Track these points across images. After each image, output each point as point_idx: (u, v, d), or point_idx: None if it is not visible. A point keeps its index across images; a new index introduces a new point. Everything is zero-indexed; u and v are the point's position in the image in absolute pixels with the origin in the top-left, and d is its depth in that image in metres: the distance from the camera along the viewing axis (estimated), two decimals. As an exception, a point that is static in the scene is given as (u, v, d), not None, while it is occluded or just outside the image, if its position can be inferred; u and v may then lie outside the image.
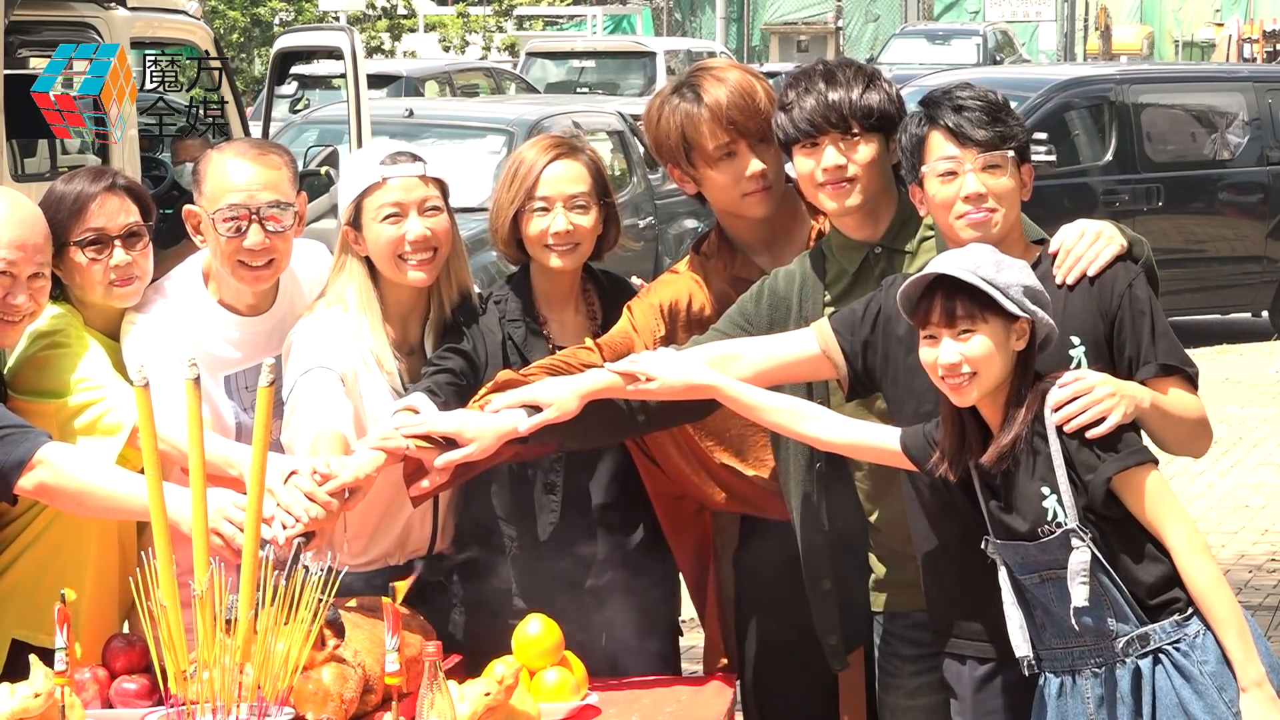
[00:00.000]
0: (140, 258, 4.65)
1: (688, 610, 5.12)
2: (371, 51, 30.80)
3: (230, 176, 4.64)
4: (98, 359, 4.56)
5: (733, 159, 4.64)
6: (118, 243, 4.61)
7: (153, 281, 4.73)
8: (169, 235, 4.88)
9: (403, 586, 4.13)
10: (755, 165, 4.64)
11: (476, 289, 4.88)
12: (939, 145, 4.22)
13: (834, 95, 4.43)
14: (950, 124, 4.20)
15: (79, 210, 4.61)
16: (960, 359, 4.00)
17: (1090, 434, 4.01)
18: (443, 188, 4.72)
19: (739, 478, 4.77)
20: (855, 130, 4.43)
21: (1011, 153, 4.20)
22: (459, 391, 4.58)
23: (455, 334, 4.73)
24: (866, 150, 4.43)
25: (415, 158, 4.69)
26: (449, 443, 4.37)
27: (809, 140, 4.45)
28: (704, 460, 4.77)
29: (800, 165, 4.48)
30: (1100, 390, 4.02)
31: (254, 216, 4.60)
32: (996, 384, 4.03)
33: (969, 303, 3.98)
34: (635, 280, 5.08)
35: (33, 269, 4.46)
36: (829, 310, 4.48)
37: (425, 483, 4.41)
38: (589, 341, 4.65)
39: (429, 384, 4.57)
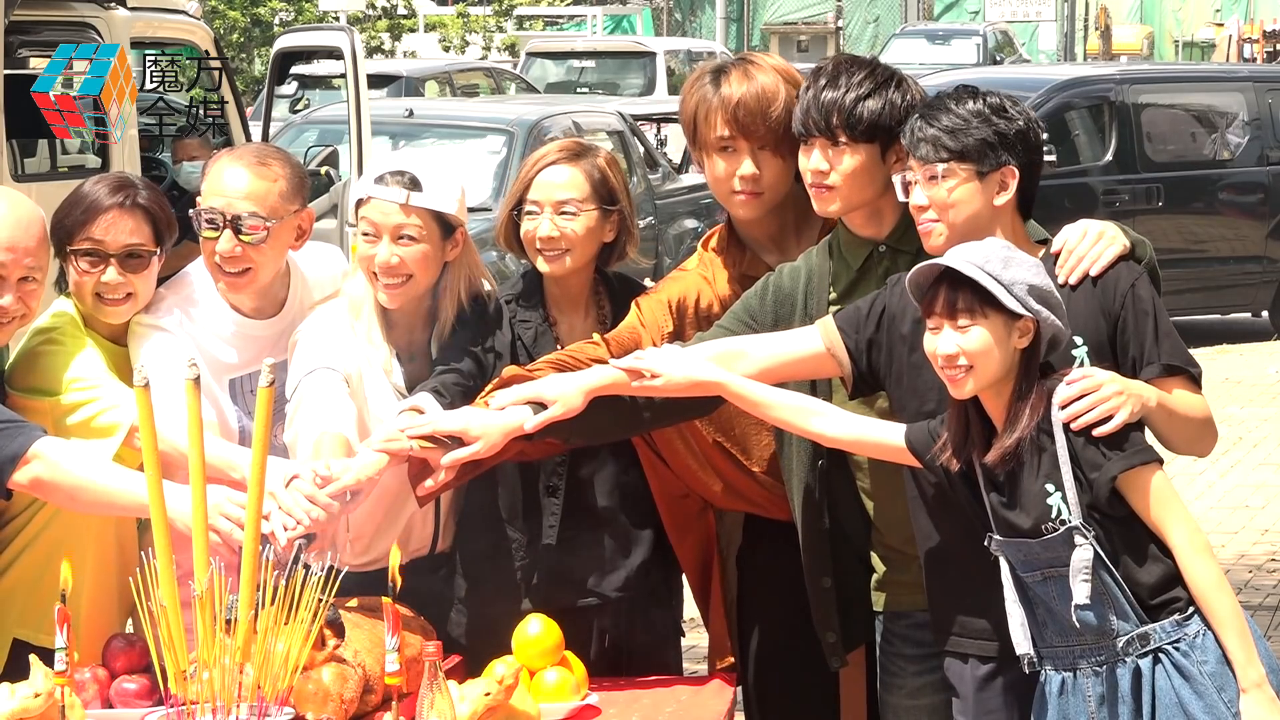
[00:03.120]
0: (137, 279, 4.61)
1: (689, 610, 5.12)
2: (371, 51, 30.81)
3: (222, 180, 4.66)
4: (91, 359, 4.55)
5: (730, 154, 4.65)
6: (113, 260, 4.59)
7: (166, 280, 4.73)
8: (170, 236, 4.88)
9: (393, 563, 4.09)
10: (747, 168, 4.64)
11: (489, 286, 4.88)
12: (908, 158, 4.27)
13: (828, 97, 4.42)
14: (906, 140, 4.26)
15: (85, 219, 4.59)
16: (958, 350, 4.01)
17: (1097, 432, 4.01)
18: (437, 218, 4.64)
19: (742, 472, 4.77)
20: (842, 139, 4.43)
21: (945, 164, 4.19)
22: (465, 392, 4.58)
23: (464, 334, 4.73)
24: (851, 161, 4.43)
25: (411, 183, 4.63)
26: (454, 441, 4.36)
27: (803, 139, 4.47)
28: (708, 453, 4.77)
29: (800, 160, 4.51)
30: (1108, 388, 4.02)
31: (227, 223, 4.61)
32: (994, 379, 4.03)
33: (970, 296, 3.99)
34: (648, 283, 5.09)
35: (22, 272, 4.44)
36: (834, 308, 4.48)
37: (430, 482, 4.41)
38: (596, 337, 4.65)
39: (435, 384, 4.57)
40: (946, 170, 4.20)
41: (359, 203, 4.71)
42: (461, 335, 4.72)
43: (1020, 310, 3.99)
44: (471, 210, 4.87)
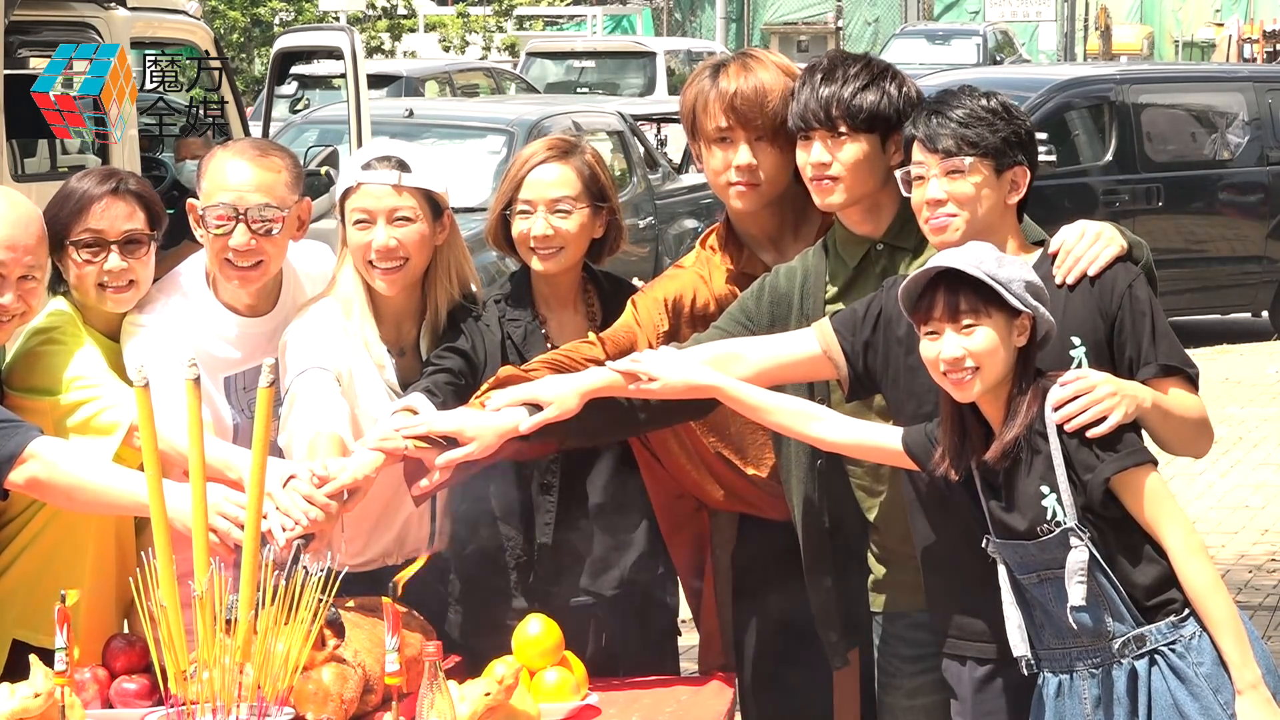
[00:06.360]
0: (138, 264, 4.64)
1: (686, 610, 5.12)
2: (371, 51, 30.80)
3: (226, 175, 4.66)
4: (92, 358, 4.56)
5: (727, 145, 4.66)
6: (114, 247, 4.61)
7: (155, 280, 4.74)
8: (169, 235, 4.88)
9: (406, 574, 4.14)
10: (744, 158, 4.64)
11: (475, 288, 4.89)
12: (915, 151, 4.27)
13: (826, 91, 4.45)
14: (922, 132, 4.24)
15: (79, 210, 4.61)
16: (964, 353, 4.01)
17: (1091, 433, 4.01)
18: (428, 198, 4.69)
19: (738, 475, 4.78)
20: (843, 130, 4.44)
21: (972, 159, 4.20)
22: (457, 391, 4.58)
23: (454, 333, 4.74)
24: (852, 150, 4.44)
25: (400, 165, 4.67)
26: (449, 442, 4.37)
27: (802, 134, 4.47)
28: (704, 455, 4.78)
29: (798, 157, 4.51)
30: (1101, 390, 4.02)
31: (240, 217, 4.62)
32: (998, 379, 4.04)
33: (973, 297, 4.00)
34: (636, 282, 5.09)
35: (22, 270, 4.45)
36: (830, 307, 4.49)
37: (425, 481, 4.41)
38: (591, 336, 4.66)
39: (427, 384, 4.57)
40: (972, 166, 4.20)
41: (346, 194, 4.72)
42: (451, 333, 4.73)
43: (1021, 307, 4.00)
44: (471, 210, 4.88)
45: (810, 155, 4.47)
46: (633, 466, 4.84)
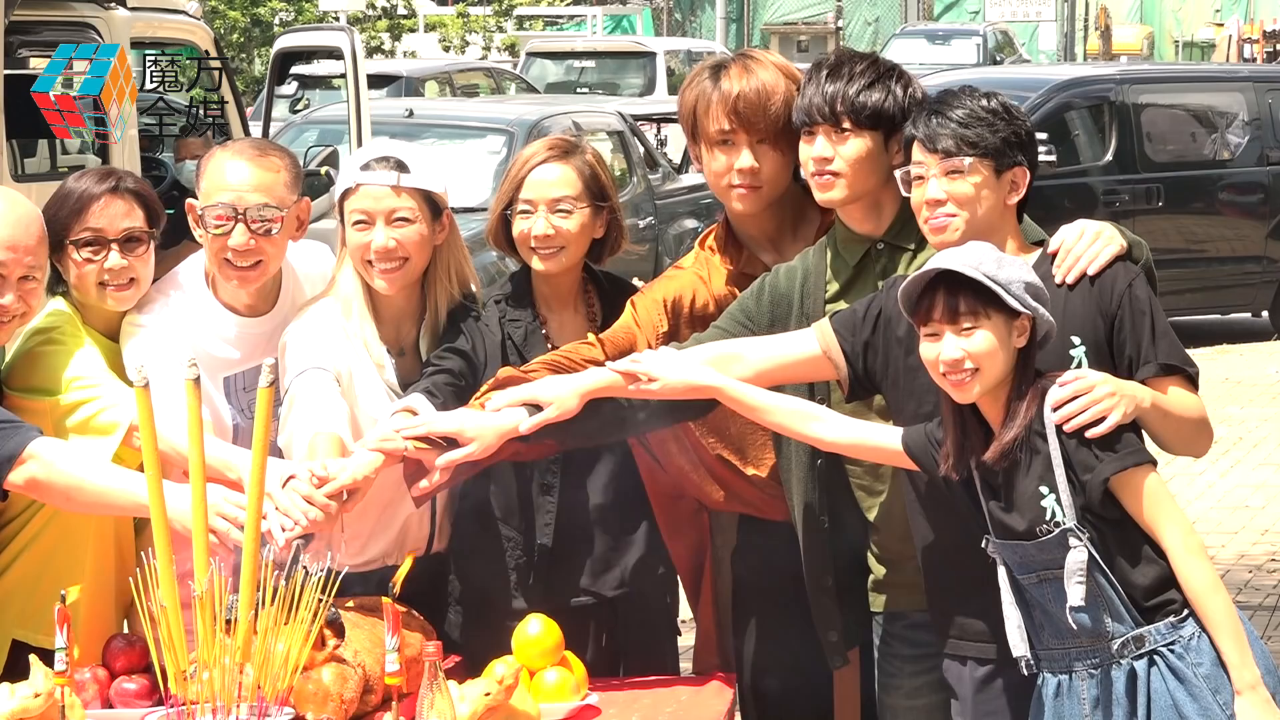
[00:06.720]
0: (138, 263, 4.64)
1: (686, 610, 5.12)
2: (371, 51, 30.81)
3: (225, 175, 4.67)
4: (91, 358, 4.56)
5: (728, 147, 4.66)
6: (114, 246, 4.62)
7: (155, 280, 4.74)
8: (169, 235, 4.88)
9: (400, 574, 4.14)
10: (746, 160, 4.65)
11: (475, 288, 4.89)
12: (915, 151, 4.27)
13: (831, 88, 4.46)
14: (922, 132, 4.25)
15: (79, 209, 4.62)
16: (963, 355, 4.01)
17: (1090, 434, 4.01)
18: (427, 198, 4.69)
19: (738, 476, 4.78)
20: (846, 125, 4.44)
21: (971, 159, 4.20)
22: (457, 392, 4.59)
23: (454, 333, 4.74)
24: (855, 146, 4.44)
25: (398, 166, 4.67)
26: (449, 443, 4.37)
27: (806, 129, 4.48)
28: (704, 457, 4.78)
29: (801, 152, 4.51)
30: (1100, 390, 4.02)
31: (239, 217, 4.62)
32: (998, 380, 4.04)
33: (972, 298, 4.00)
34: (636, 282, 5.09)
35: (23, 271, 4.45)
36: (830, 306, 4.49)
37: (425, 482, 4.41)
38: (591, 337, 4.66)
39: (427, 385, 4.57)
40: (971, 166, 4.21)
41: (345, 195, 4.72)
42: (451, 334, 4.73)
43: (1021, 308, 4.00)
44: (471, 210, 4.88)
45: (813, 150, 4.47)
46: (633, 466, 4.84)
